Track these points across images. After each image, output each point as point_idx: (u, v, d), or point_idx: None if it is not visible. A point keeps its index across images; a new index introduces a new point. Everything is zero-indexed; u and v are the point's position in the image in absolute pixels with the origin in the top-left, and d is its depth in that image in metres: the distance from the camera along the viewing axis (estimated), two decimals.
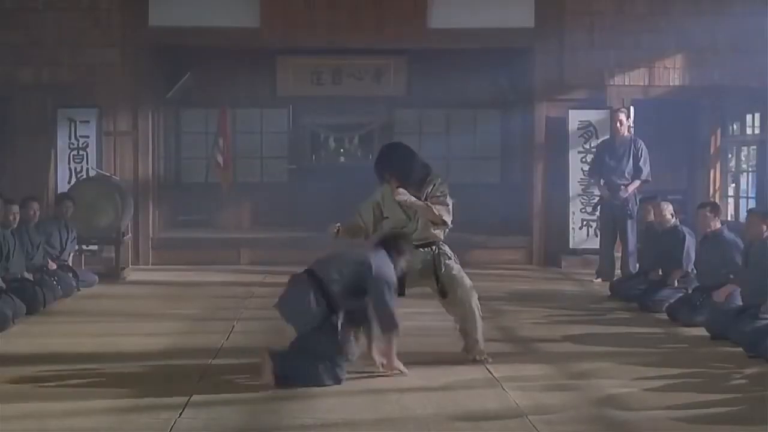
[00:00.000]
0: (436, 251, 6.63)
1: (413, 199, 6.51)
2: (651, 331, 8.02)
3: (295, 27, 12.07)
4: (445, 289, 6.64)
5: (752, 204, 12.17)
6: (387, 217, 6.67)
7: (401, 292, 6.51)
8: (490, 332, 7.63)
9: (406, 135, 14.39)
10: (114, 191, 11.13)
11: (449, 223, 6.61)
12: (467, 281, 6.72)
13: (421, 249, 6.60)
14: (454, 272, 6.66)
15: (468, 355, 6.66)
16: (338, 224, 6.70)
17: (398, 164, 6.59)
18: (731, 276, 8.11)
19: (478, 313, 6.69)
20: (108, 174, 11.63)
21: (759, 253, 7.54)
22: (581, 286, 10.73)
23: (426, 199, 6.56)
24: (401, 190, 6.52)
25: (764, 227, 7.60)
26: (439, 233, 6.66)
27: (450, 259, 6.68)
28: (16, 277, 8.63)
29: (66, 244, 10.18)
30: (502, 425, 5.20)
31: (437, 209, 6.51)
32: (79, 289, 9.76)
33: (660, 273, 9.34)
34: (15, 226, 8.97)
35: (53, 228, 10.10)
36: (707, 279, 8.42)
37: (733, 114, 13.12)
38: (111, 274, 10.84)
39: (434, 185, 6.62)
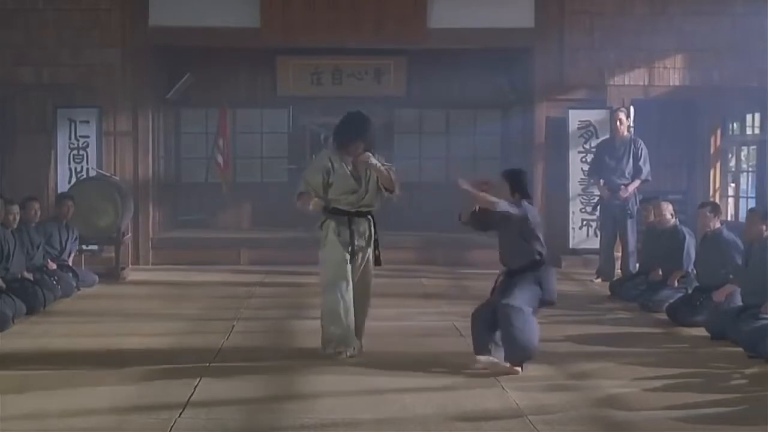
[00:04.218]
0: (372, 221, 6.78)
1: (377, 162, 6.64)
2: (651, 331, 8.02)
3: (295, 27, 12.06)
4: (380, 258, 6.81)
5: (752, 204, 12.17)
6: (332, 183, 6.70)
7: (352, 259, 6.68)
8: None
9: (406, 135, 14.43)
10: (114, 191, 11.13)
11: (398, 191, 6.76)
12: None
13: (362, 218, 6.73)
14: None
15: (327, 349, 6.73)
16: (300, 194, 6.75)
17: (368, 133, 6.74)
18: (731, 276, 8.11)
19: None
20: (108, 174, 11.64)
21: (759, 253, 7.54)
22: (581, 286, 10.73)
23: None
24: (368, 153, 6.65)
25: (764, 227, 7.61)
26: (378, 203, 6.81)
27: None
28: (16, 277, 8.63)
29: (66, 245, 10.18)
30: (502, 425, 5.20)
31: (395, 177, 6.69)
32: (79, 289, 9.77)
33: (660, 273, 9.35)
34: (15, 226, 8.97)
35: (53, 228, 10.10)
36: (707, 279, 8.42)
37: (733, 114, 13.12)
38: (111, 274, 10.84)
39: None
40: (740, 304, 7.69)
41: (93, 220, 10.90)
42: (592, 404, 5.62)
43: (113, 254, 11.07)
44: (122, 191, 11.27)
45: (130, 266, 11.66)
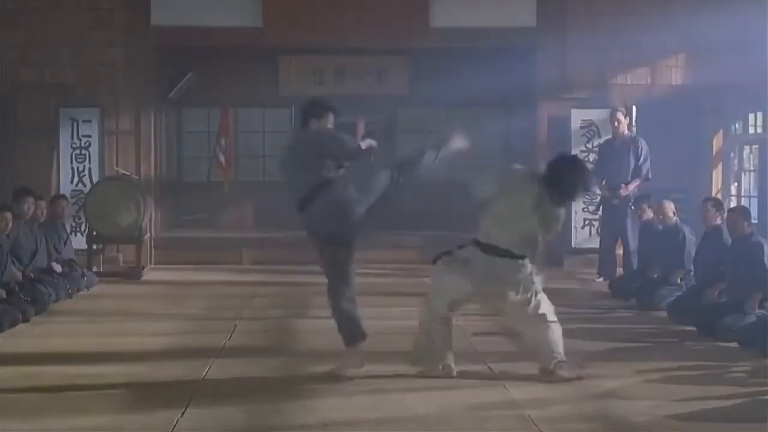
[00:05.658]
0: None
1: None
2: (650, 328, 8.04)
3: (297, 26, 12.07)
4: None
5: (754, 203, 12.16)
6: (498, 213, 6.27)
7: None
8: (491, 331, 7.64)
9: (409, 134, 14.42)
10: (136, 190, 11.13)
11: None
12: None
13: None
14: None
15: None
16: None
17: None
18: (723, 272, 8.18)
19: None
20: (128, 173, 11.64)
21: (741, 249, 7.66)
22: (583, 285, 10.73)
23: None
24: None
25: (745, 224, 7.76)
26: None
27: None
28: (16, 279, 8.63)
29: (66, 245, 10.20)
30: (503, 422, 5.21)
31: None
32: (80, 290, 9.77)
33: (659, 271, 9.36)
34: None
35: (53, 228, 10.10)
36: (705, 275, 8.44)
37: (735, 113, 13.10)
38: (132, 273, 10.85)
39: None
40: (737, 300, 7.72)
41: (116, 220, 10.88)
42: (592, 400, 5.63)
43: (114, 253, 11.06)
44: (143, 190, 11.28)
45: (128, 266, 11.64)
